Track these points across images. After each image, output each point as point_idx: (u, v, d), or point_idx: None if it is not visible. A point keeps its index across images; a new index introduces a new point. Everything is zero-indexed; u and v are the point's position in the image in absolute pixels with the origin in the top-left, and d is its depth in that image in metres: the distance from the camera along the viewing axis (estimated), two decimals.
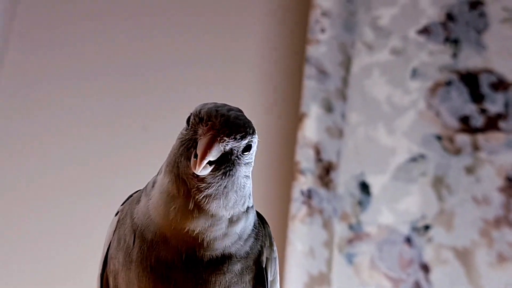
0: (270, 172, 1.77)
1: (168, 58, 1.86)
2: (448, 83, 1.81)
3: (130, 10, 1.92)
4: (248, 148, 0.82)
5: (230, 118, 0.80)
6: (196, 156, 0.78)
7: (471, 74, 1.81)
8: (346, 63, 1.81)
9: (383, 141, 1.77)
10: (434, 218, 1.70)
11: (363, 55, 1.83)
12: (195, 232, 0.81)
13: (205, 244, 0.81)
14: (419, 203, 1.72)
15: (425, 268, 1.67)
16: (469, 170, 1.74)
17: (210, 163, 0.79)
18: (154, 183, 0.85)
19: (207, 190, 0.80)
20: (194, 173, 0.78)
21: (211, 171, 0.79)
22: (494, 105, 1.79)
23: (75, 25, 1.92)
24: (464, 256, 1.67)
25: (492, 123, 1.78)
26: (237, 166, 0.82)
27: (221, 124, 0.79)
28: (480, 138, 1.77)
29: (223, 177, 0.81)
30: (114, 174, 1.78)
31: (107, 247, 0.89)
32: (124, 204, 0.90)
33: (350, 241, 1.70)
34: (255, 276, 0.86)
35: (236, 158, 0.81)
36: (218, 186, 0.80)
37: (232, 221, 0.83)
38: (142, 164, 1.78)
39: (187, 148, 0.80)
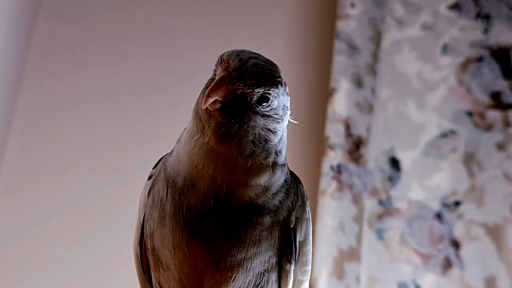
0: (300, 147, 1.76)
1: (197, 35, 1.86)
2: (479, 59, 1.79)
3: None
4: (264, 99, 0.81)
5: (247, 63, 0.79)
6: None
7: (502, 50, 1.80)
8: (376, 38, 1.80)
9: (413, 117, 1.75)
10: (465, 194, 1.69)
11: (393, 30, 1.82)
12: (214, 174, 0.80)
13: (226, 188, 0.80)
14: (449, 179, 1.71)
15: (456, 244, 1.66)
16: (500, 146, 1.73)
17: (220, 103, 0.79)
18: (185, 129, 0.85)
19: (217, 129, 0.79)
20: (205, 108, 0.79)
21: (222, 113, 0.79)
22: None
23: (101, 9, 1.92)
24: (494, 232, 1.66)
25: None
26: (252, 115, 0.80)
27: (234, 67, 0.79)
28: (511, 114, 1.75)
29: (233, 121, 0.80)
30: (143, 152, 1.79)
31: (143, 212, 0.88)
32: (156, 166, 0.90)
33: (380, 217, 1.69)
34: (285, 236, 0.85)
35: (250, 106, 0.80)
36: (228, 129, 0.80)
37: (252, 171, 0.81)
38: (171, 142, 1.79)
39: (206, 87, 0.81)
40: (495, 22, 1.81)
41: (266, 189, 0.83)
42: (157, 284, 0.87)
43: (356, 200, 1.67)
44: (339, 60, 1.75)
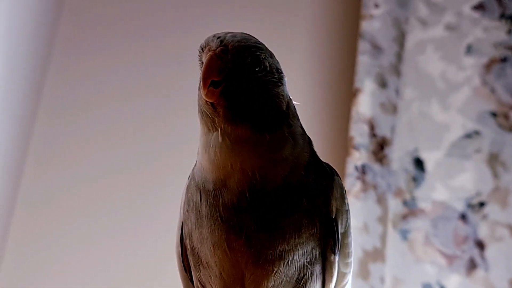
0: (324, 147, 1.76)
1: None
2: (503, 60, 1.79)
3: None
4: (256, 63, 0.81)
5: (226, 38, 0.80)
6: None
7: None
8: (400, 39, 1.80)
9: (437, 117, 1.75)
10: (489, 195, 1.69)
11: (417, 30, 1.81)
12: (242, 167, 0.80)
13: (258, 175, 0.80)
14: (474, 180, 1.70)
15: (480, 245, 1.66)
16: None
17: (216, 85, 0.79)
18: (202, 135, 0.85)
19: (227, 113, 0.79)
20: (206, 101, 0.79)
21: (224, 97, 0.79)
22: None
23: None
24: None
25: None
26: (252, 82, 0.80)
27: (217, 44, 0.79)
28: None
29: (237, 95, 0.79)
30: (168, 152, 1.80)
31: (182, 211, 0.89)
32: (193, 169, 0.90)
33: (404, 217, 1.69)
34: (326, 226, 0.84)
35: (247, 75, 0.80)
36: (237, 108, 0.79)
37: (272, 144, 0.81)
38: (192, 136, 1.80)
39: (199, 82, 0.80)
40: None
41: (295, 162, 0.82)
42: (198, 283, 0.87)
43: (381, 200, 1.67)
44: (363, 61, 1.75)
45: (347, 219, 0.87)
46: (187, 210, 0.86)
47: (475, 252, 1.65)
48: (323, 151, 1.74)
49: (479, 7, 1.82)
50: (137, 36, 1.91)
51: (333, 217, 0.84)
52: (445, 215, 1.68)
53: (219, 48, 0.79)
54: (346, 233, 0.87)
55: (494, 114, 1.75)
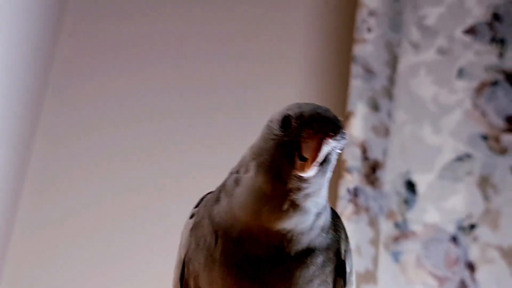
0: None
1: (217, 63, 1.89)
2: (494, 83, 1.81)
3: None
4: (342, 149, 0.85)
5: (332, 120, 0.83)
6: (302, 158, 0.80)
7: None
8: (393, 62, 1.82)
9: (429, 140, 1.77)
10: (480, 217, 1.71)
11: (410, 54, 1.84)
12: (286, 230, 0.83)
13: (294, 239, 0.83)
14: (465, 202, 1.72)
15: (471, 267, 1.67)
16: None
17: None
18: (236, 181, 0.86)
19: (306, 189, 0.82)
20: (298, 174, 0.81)
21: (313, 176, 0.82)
22: None
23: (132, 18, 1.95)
24: (510, 255, 1.67)
25: None
26: (331, 163, 0.84)
27: (326, 127, 0.81)
28: None
29: (322, 175, 0.83)
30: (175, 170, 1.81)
31: (184, 251, 0.91)
32: (198, 206, 0.92)
33: (396, 239, 1.71)
34: (335, 268, 0.88)
35: (332, 156, 0.84)
36: (316, 184, 0.83)
37: (317, 215, 0.85)
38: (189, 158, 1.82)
39: (289, 150, 0.82)
40: (510, 46, 1.83)
41: (322, 229, 0.86)
42: None
43: (373, 223, 1.69)
44: (356, 84, 1.77)
45: (351, 258, 0.92)
46: (195, 249, 0.88)
47: (466, 274, 1.67)
48: None
49: (470, 31, 1.85)
50: (137, 59, 1.93)
51: (343, 258, 0.89)
52: (436, 237, 1.70)
53: (329, 131, 0.81)
54: (351, 272, 0.92)
55: (485, 137, 1.77)
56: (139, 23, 1.95)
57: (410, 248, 1.70)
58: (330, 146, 0.81)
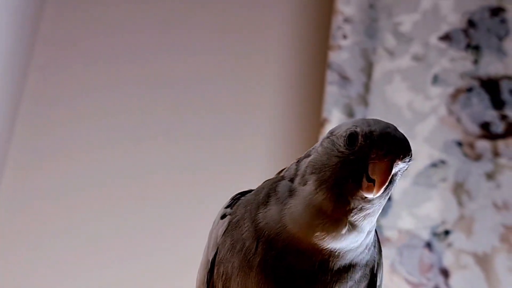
0: None
1: (192, 69, 1.89)
2: (469, 90, 1.82)
3: (155, 21, 1.95)
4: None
5: (402, 141, 0.80)
6: (369, 179, 0.78)
7: (492, 80, 1.82)
8: (368, 69, 1.83)
9: None
10: (454, 223, 1.71)
11: (385, 61, 1.84)
12: (337, 248, 0.82)
13: (341, 255, 0.82)
14: (439, 209, 1.73)
15: (445, 273, 1.68)
16: (489, 176, 1.75)
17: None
18: (291, 191, 0.84)
19: (368, 210, 0.80)
20: (364, 196, 0.79)
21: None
22: None
23: (98, 42, 1.94)
24: (483, 261, 1.68)
25: None
26: (395, 183, 0.82)
27: (396, 149, 0.79)
28: (501, 144, 1.78)
29: (385, 195, 0.81)
30: (144, 188, 1.81)
31: (213, 251, 0.89)
32: (233, 207, 0.90)
33: None
34: (368, 282, 0.87)
35: (397, 176, 0.82)
36: (378, 205, 0.81)
37: (368, 233, 0.84)
38: (170, 168, 1.82)
39: (354, 169, 0.79)
40: (485, 53, 1.84)
41: (366, 246, 0.85)
42: None
43: None
44: (331, 91, 1.78)
45: (382, 271, 0.90)
46: (230, 250, 0.86)
47: (440, 280, 1.67)
48: None
49: (445, 38, 1.86)
50: (115, 56, 1.93)
51: (375, 272, 0.88)
52: (411, 244, 1.71)
53: (399, 153, 0.79)
54: (380, 285, 0.90)
55: (459, 144, 1.78)
56: (118, 31, 1.95)
57: (385, 254, 1.67)
58: (398, 168, 0.79)
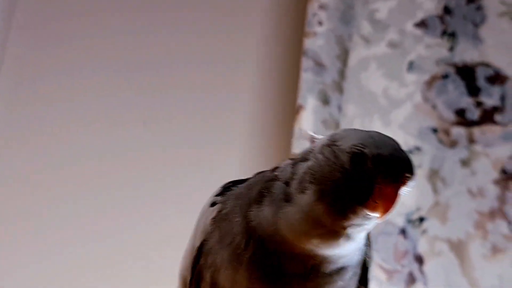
0: (267, 164, 1.77)
1: (166, 53, 1.88)
2: (445, 76, 1.81)
3: (131, 8, 1.93)
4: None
5: (409, 166, 0.79)
6: (375, 201, 0.77)
7: (467, 67, 1.82)
8: (343, 56, 1.82)
9: None
10: (429, 210, 1.71)
11: (360, 48, 1.84)
12: (331, 254, 0.81)
13: (333, 260, 0.81)
14: (414, 196, 1.73)
15: (419, 260, 1.68)
16: (465, 162, 1.75)
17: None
18: (287, 195, 0.82)
19: (367, 224, 0.80)
20: (369, 215, 0.78)
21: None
22: (490, 98, 1.80)
23: (76, 21, 1.93)
24: (458, 248, 1.68)
25: (488, 116, 1.79)
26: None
27: (404, 175, 0.78)
28: (476, 131, 1.78)
29: None
30: (115, 170, 1.80)
31: (200, 240, 0.87)
32: (223, 196, 0.88)
33: None
34: (359, 278, 0.87)
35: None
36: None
37: (354, 241, 0.83)
38: (143, 160, 1.81)
39: (358, 189, 0.77)
40: (461, 39, 1.83)
41: (358, 250, 0.84)
42: None
43: None
44: (306, 78, 1.77)
45: (372, 264, 0.90)
46: (219, 242, 0.85)
47: (414, 266, 1.68)
48: (265, 167, 1.77)
49: (421, 25, 1.85)
50: (93, 29, 1.91)
51: (367, 266, 0.88)
52: (385, 231, 1.71)
53: (406, 179, 0.78)
54: (370, 278, 0.90)
55: (435, 130, 1.78)
56: (94, 11, 1.94)
57: None
58: (403, 191, 0.78)
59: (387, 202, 0.77)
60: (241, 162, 1.79)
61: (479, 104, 1.80)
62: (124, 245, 1.74)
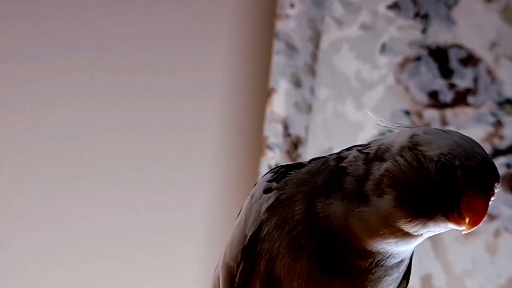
0: (238, 147, 1.77)
1: (135, 34, 1.85)
2: (418, 58, 1.81)
3: None
4: None
5: (497, 175, 0.76)
6: (460, 213, 0.75)
7: (440, 49, 1.82)
8: (316, 39, 1.81)
9: (351, 116, 1.77)
10: None
11: (333, 30, 1.83)
12: (400, 250, 0.80)
13: (398, 254, 0.81)
14: None
15: None
16: None
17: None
18: (362, 195, 0.79)
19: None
20: (452, 227, 0.77)
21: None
22: (463, 80, 1.80)
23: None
24: None
25: (460, 98, 1.79)
26: None
27: (493, 186, 0.76)
28: (449, 113, 1.78)
29: None
30: (79, 155, 1.79)
31: (255, 226, 0.84)
32: (278, 181, 0.85)
33: None
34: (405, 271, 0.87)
35: None
36: None
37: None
38: (107, 142, 1.79)
39: (444, 200, 0.76)
40: (433, 21, 1.83)
41: None
42: None
43: None
44: (278, 60, 1.76)
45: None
46: (277, 230, 0.82)
47: None
48: (238, 151, 1.77)
49: (394, 6, 1.84)
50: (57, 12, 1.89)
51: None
52: None
53: (493, 191, 0.76)
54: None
55: (407, 113, 1.78)
56: (56, 5, 1.92)
57: None
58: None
59: (478, 215, 0.75)
60: (213, 145, 1.78)
61: (452, 86, 1.80)
62: (90, 233, 1.73)
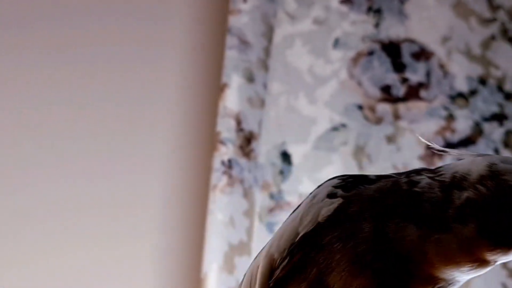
0: (191, 142, 1.77)
1: (86, 32, 1.84)
2: (370, 53, 1.82)
3: None
4: None
5: None
6: None
7: (393, 43, 1.83)
8: (269, 34, 1.81)
9: (304, 111, 1.78)
10: None
11: (286, 25, 1.83)
12: (463, 279, 0.81)
13: (459, 283, 0.82)
14: (340, 172, 1.72)
15: None
16: (390, 139, 1.76)
17: None
18: (442, 222, 0.79)
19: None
20: None
21: None
22: (416, 74, 1.81)
23: None
24: None
25: (413, 92, 1.80)
26: None
27: None
28: (401, 107, 1.79)
29: None
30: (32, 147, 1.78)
31: (310, 227, 0.84)
32: (345, 190, 0.85)
33: (271, 210, 1.71)
34: None
35: None
36: None
37: None
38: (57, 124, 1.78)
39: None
40: (386, 16, 1.84)
41: None
42: None
43: (247, 194, 1.69)
44: (231, 55, 1.76)
45: None
46: (338, 243, 0.81)
47: None
48: (190, 146, 1.77)
49: (346, 1, 1.85)
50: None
51: None
52: None
53: None
54: None
55: (360, 107, 1.78)
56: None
57: (285, 219, 1.70)
58: None
59: None
60: (166, 140, 1.78)
61: (404, 80, 1.81)
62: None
